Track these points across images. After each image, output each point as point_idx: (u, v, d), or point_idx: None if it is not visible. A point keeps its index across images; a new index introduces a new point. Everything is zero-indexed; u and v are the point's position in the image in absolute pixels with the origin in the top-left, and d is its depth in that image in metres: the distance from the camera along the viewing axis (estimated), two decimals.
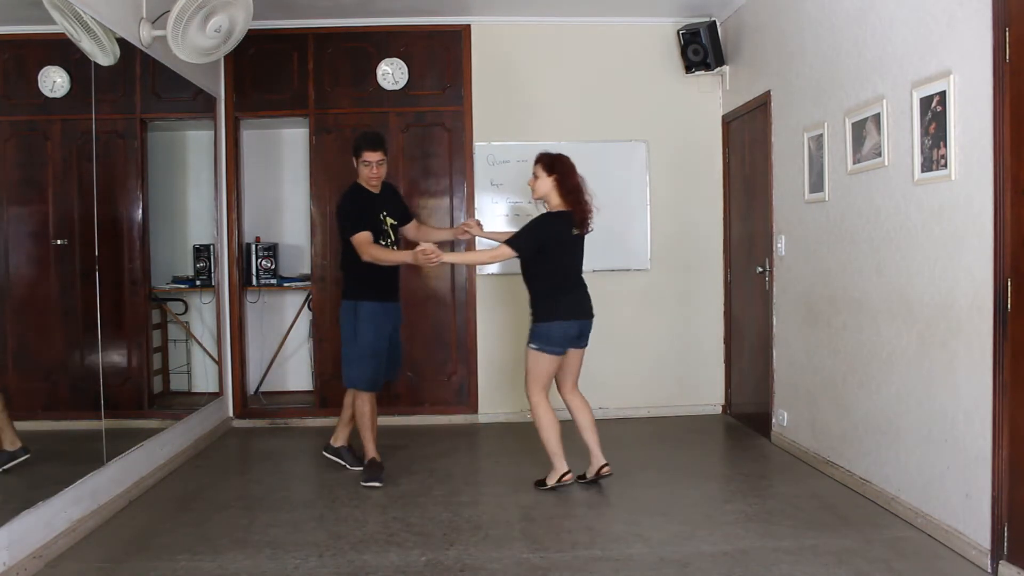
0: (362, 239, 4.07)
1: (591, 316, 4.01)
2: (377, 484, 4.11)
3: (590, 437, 4.08)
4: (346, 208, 4.17)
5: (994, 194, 2.89)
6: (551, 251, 3.89)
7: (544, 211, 3.96)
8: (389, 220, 4.25)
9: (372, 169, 4.16)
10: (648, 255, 5.74)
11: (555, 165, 3.92)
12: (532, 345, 3.92)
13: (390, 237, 4.25)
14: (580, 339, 4.00)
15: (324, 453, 4.59)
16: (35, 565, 3.07)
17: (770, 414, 4.94)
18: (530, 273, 3.95)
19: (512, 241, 3.90)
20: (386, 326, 4.25)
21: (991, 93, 2.88)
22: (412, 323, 5.67)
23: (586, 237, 4.02)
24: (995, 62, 2.86)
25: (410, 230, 4.48)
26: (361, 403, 4.25)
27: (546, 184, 3.92)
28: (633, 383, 5.74)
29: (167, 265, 5.36)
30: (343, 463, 4.49)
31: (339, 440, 4.53)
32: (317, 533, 3.48)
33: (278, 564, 3.13)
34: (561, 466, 3.97)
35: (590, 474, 4.10)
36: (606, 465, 4.07)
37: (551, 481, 3.98)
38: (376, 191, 4.26)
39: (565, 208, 3.89)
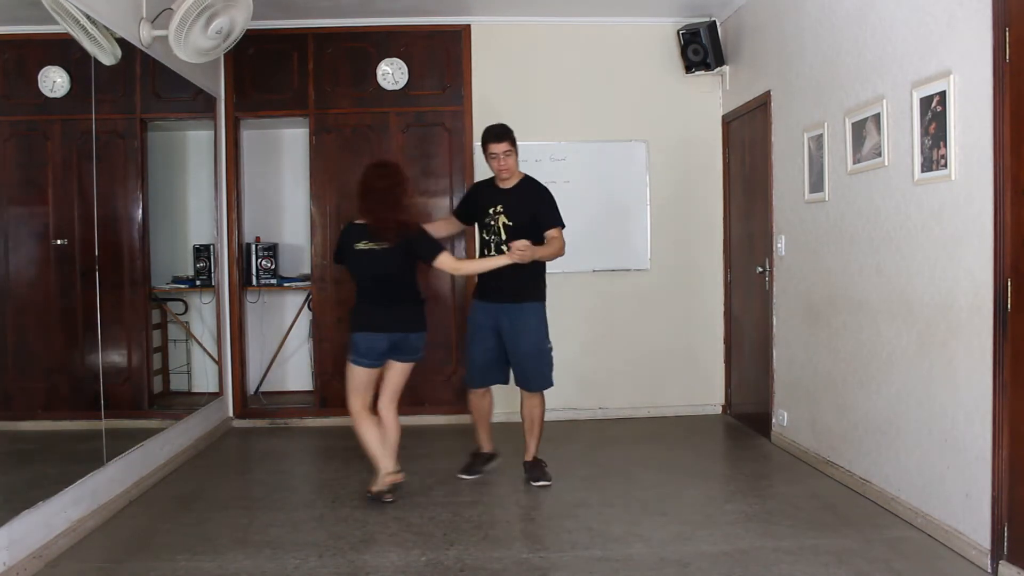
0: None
1: (389, 330, 3.75)
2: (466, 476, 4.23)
3: (389, 450, 3.88)
4: None
5: (994, 194, 2.89)
6: (345, 261, 3.87)
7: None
8: (502, 219, 4.04)
9: (499, 161, 4.04)
10: (648, 255, 5.74)
11: (364, 172, 3.86)
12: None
13: (498, 236, 4.04)
14: (390, 352, 3.82)
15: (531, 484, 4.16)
16: (35, 565, 3.07)
17: (770, 414, 4.94)
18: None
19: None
20: (483, 325, 4.12)
21: (991, 93, 2.88)
22: None
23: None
24: (995, 62, 2.86)
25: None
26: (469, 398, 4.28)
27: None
28: (633, 383, 5.74)
29: (167, 265, 5.36)
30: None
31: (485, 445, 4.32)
32: (317, 533, 3.48)
33: (278, 564, 3.13)
34: (387, 465, 3.81)
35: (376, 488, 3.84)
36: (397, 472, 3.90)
37: (375, 488, 3.80)
38: (506, 185, 4.09)
39: (361, 219, 3.81)
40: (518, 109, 5.65)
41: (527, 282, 4.06)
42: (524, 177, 4.17)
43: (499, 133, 4.06)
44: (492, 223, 4.08)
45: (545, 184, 4.19)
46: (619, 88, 5.70)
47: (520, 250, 3.75)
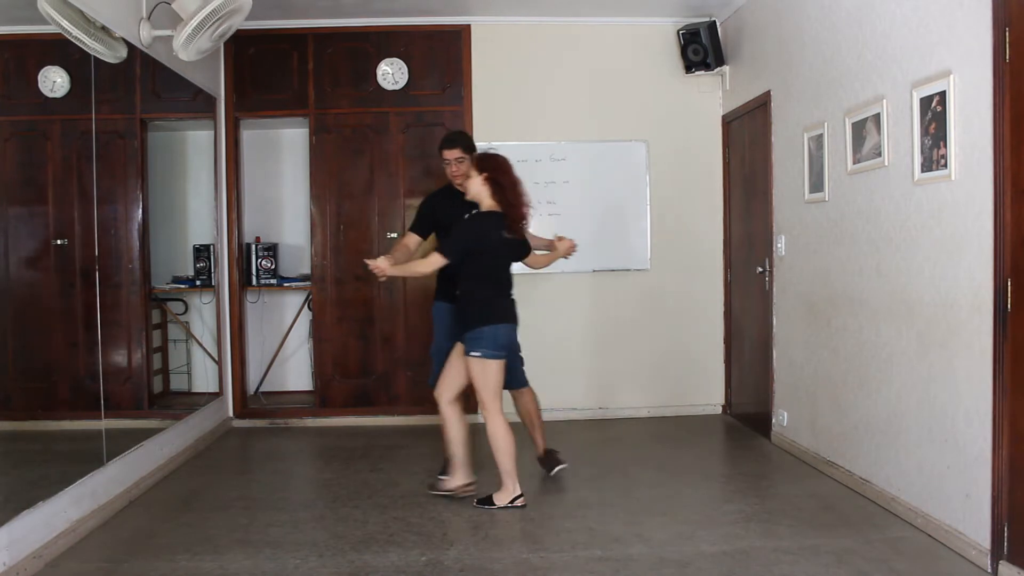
0: (402, 239, 4.24)
1: (517, 322, 3.87)
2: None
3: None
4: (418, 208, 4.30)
5: (994, 194, 2.89)
6: (479, 253, 3.72)
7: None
8: None
9: (451, 168, 4.12)
10: (648, 255, 5.74)
11: (485, 163, 3.76)
12: (475, 353, 3.68)
13: None
14: (511, 346, 3.88)
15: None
16: (35, 565, 3.07)
17: (770, 414, 4.94)
18: (463, 275, 3.77)
19: (441, 247, 3.76)
20: (446, 327, 4.15)
21: (991, 93, 2.89)
22: (412, 323, 5.68)
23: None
24: (995, 62, 2.86)
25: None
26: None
27: (476, 183, 3.74)
28: (633, 383, 5.74)
29: (167, 265, 5.36)
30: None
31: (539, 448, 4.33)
32: (317, 533, 3.48)
33: (278, 564, 3.13)
34: (515, 487, 3.76)
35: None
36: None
37: (501, 501, 3.75)
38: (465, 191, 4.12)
39: (496, 208, 3.73)
40: (518, 109, 5.67)
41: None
42: None
43: (451, 139, 4.18)
44: None
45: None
46: (619, 88, 5.70)
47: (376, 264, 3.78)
